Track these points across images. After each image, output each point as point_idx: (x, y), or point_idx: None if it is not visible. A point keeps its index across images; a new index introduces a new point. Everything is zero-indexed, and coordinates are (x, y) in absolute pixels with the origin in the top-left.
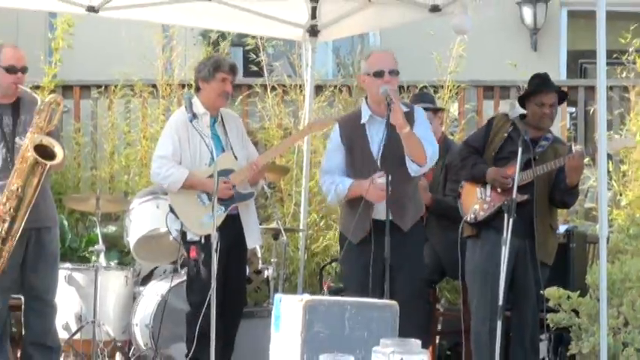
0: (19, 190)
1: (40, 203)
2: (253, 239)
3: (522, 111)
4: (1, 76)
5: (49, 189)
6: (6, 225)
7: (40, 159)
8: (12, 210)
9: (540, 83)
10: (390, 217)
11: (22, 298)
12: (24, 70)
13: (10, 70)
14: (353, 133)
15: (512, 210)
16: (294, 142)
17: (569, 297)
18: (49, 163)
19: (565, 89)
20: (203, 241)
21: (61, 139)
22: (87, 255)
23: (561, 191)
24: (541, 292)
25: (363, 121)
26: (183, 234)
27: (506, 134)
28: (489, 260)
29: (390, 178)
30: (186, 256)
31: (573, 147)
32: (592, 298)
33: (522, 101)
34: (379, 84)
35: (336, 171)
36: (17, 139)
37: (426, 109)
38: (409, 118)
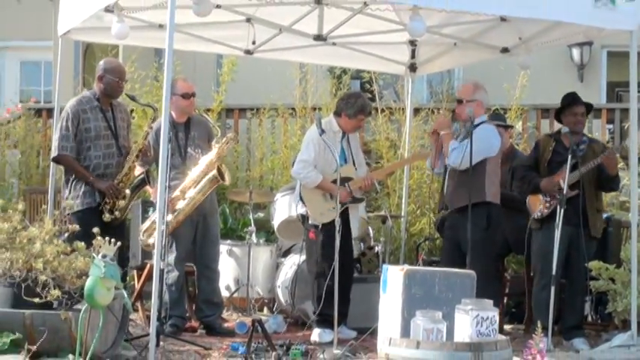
0: (191, 193)
1: (206, 198)
2: (354, 230)
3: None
4: (178, 101)
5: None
6: (175, 214)
7: (219, 178)
8: (183, 206)
9: (571, 99)
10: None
11: (195, 266)
12: (194, 95)
13: (185, 96)
14: None
15: (563, 202)
16: (402, 167)
17: (607, 268)
18: (222, 182)
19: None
20: (320, 226)
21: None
22: (242, 234)
23: (606, 180)
24: (586, 265)
25: None
26: (303, 217)
27: (551, 149)
28: (548, 242)
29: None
30: (305, 237)
31: (609, 145)
32: (625, 270)
33: (558, 116)
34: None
35: None
36: (189, 150)
37: (498, 125)
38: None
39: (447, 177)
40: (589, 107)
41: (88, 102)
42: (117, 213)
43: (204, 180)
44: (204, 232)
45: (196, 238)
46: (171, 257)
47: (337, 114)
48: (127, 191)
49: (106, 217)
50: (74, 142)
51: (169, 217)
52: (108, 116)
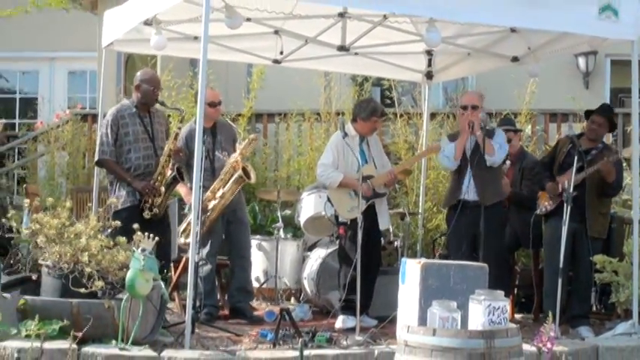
0: (221, 192)
1: (235, 196)
2: (384, 223)
3: (576, 131)
4: (206, 109)
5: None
6: (208, 214)
7: (245, 177)
8: (214, 205)
9: (598, 108)
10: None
11: (229, 256)
12: (220, 103)
13: (211, 104)
14: None
15: (570, 200)
16: (418, 160)
17: (610, 262)
18: (248, 181)
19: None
20: (349, 222)
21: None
22: (271, 230)
23: (604, 186)
24: (591, 258)
25: None
26: (335, 217)
27: (566, 150)
28: (555, 237)
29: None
30: (337, 233)
31: (621, 152)
32: (627, 263)
33: (588, 116)
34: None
35: None
36: (217, 153)
37: (508, 129)
38: (490, 134)
39: (464, 175)
40: (613, 125)
41: (126, 109)
42: (155, 210)
43: (232, 180)
44: (236, 224)
45: (228, 231)
46: (205, 252)
47: (353, 120)
48: (162, 189)
49: (146, 214)
50: (114, 146)
51: (202, 217)
52: (145, 121)
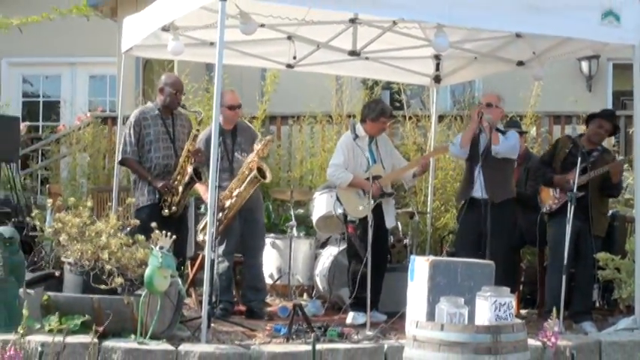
0: (237, 191)
1: (253, 195)
2: (390, 221)
3: (579, 132)
4: (225, 111)
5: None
6: (225, 212)
7: (260, 177)
8: (230, 204)
9: (603, 112)
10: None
11: (243, 256)
12: (240, 107)
13: (231, 107)
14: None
15: (574, 199)
16: (426, 160)
17: (613, 259)
18: (263, 180)
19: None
20: (357, 221)
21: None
22: (284, 228)
23: (609, 187)
24: (594, 255)
25: None
26: (344, 216)
27: (567, 150)
28: (559, 235)
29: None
30: (346, 231)
31: (617, 157)
32: (629, 260)
33: (588, 122)
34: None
35: None
36: (236, 154)
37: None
38: (502, 132)
39: (475, 172)
40: (616, 129)
41: (149, 111)
42: (174, 208)
43: (248, 179)
44: (251, 225)
45: (244, 231)
46: (222, 249)
47: (362, 121)
48: (180, 188)
49: (165, 212)
50: (136, 146)
51: (219, 215)
52: (167, 123)
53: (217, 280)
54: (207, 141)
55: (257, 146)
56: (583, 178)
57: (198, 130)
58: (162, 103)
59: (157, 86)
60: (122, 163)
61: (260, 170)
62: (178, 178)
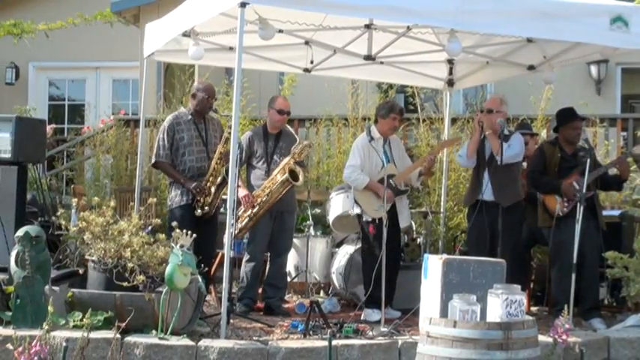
0: (269, 192)
1: (286, 196)
2: (404, 221)
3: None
4: (274, 115)
5: (294, 189)
6: (255, 209)
7: (291, 180)
8: (261, 202)
9: (572, 114)
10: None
11: (268, 254)
12: (289, 113)
13: (280, 112)
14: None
15: (583, 200)
16: (437, 154)
17: (621, 258)
18: (294, 184)
19: (619, 120)
20: (376, 221)
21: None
22: (302, 228)
23: (615, 182)
24: (602, 254)
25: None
26: (358, 216)
27: (559, 155)
28: (568, 235)
29: None
30: (366, 231)
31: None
32: (637, 259)
33: (557, 129)
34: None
35: None
36: (275, 157)
37: (525, 133)
38: (507, 138)
39: (483, 176)
40: (582, 118)
41: (182, 116)
42: (206, 208)
43: (279, 181)
44: (281, 226)
45: (273, 230)
46: (251, 248)
47: (375, 121)
48: (212, 189)
49: (198, 212)
50: (169, 150)
51: (248, 212)
52: (200, 127)
53: (244, 277)
54: (250, 139)
55: (295, 149)
56: (591, 177)
57: (229, 134)
58: (195, 108)
59: (180, 91)
60: (155, 166)
61: (292, 173)
62: (211, 179)
